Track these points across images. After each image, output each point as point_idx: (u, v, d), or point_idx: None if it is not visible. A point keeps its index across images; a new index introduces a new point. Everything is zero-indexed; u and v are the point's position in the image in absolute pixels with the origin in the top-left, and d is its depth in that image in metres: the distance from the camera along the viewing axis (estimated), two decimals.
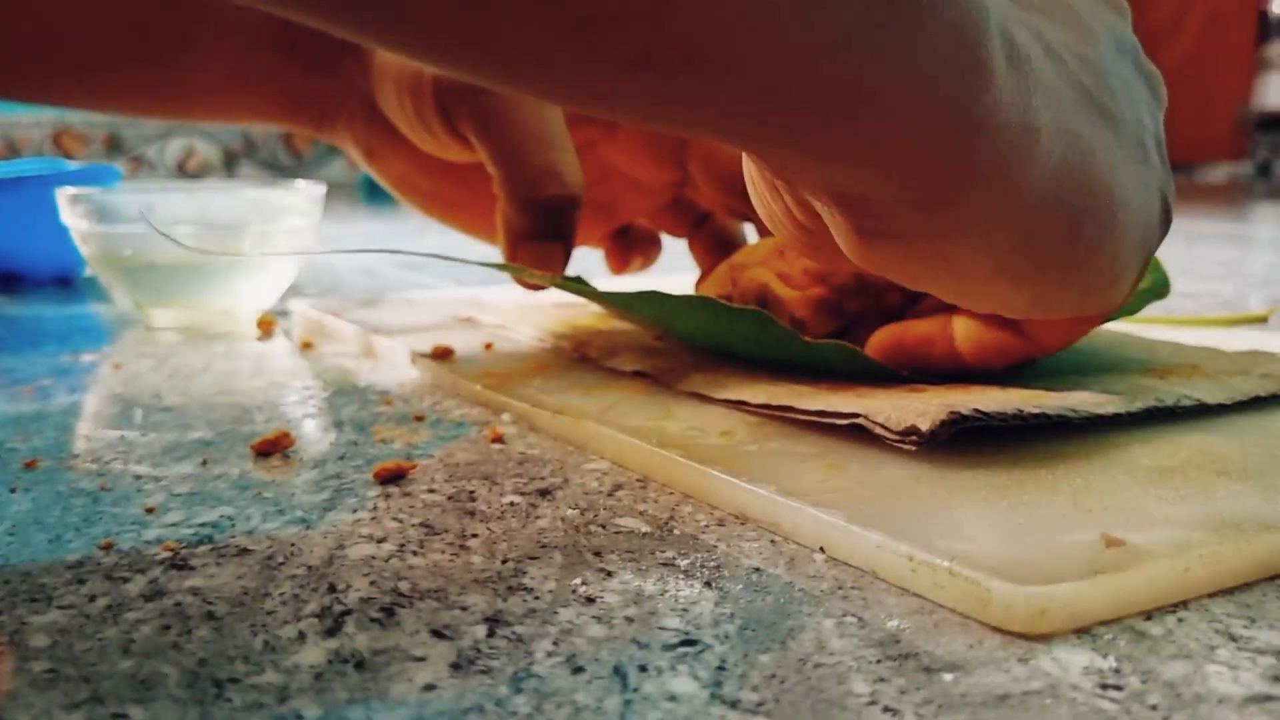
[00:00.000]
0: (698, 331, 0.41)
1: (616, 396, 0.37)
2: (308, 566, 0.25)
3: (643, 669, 0.20)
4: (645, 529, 0.28)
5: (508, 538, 0.27)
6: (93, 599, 0.24)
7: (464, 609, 0.23)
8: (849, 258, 0.28)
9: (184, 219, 0.57)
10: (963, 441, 0.30)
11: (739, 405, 0.35)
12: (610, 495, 0.30)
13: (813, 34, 0.20)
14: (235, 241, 0.57)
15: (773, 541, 0.27)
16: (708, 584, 0.24)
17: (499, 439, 0.36)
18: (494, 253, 0.47)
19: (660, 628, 0.22)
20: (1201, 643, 0.21)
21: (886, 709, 0.19)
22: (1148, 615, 0.22)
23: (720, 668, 0.20)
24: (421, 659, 0.21)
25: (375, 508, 0.29)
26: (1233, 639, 0.21)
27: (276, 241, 0.58)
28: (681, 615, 0.23)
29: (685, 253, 0.55)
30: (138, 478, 0.32)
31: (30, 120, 1.98)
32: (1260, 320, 0.53)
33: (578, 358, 0.44)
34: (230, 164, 2.12)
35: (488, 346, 0.47)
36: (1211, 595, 0.23)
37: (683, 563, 0.25)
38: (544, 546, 0.26)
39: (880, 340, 0.36)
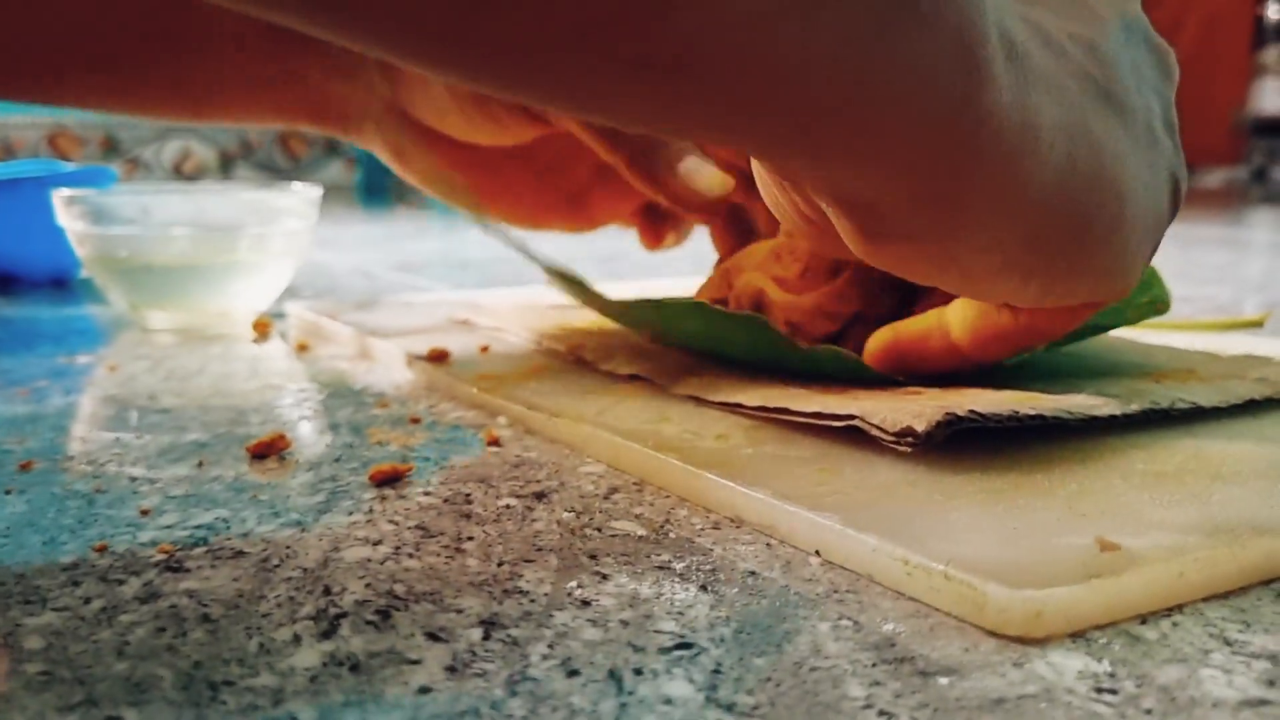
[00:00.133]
0: (693, 337, 0.41)
1: (612, 399, 0.37)
2: (303, 569, 0.25)
3: (638, 672, 0.20)
4: (641, 532, 0.28)
5: (503, 540, 0.27)
6: (87, 601, 0.24)
7: (459, 612, 0.23)
8: (856, 255, 0.28)
9: (180, 221, 0.57)
10: (958, 445, 0.30)
11: (735, 408, 0.35)
12: (606, 498, 0.30)
13: (814, 36, 0.20)
14: (232, 244, 0.57)
15: (768, 545, 0.27)
16: (703, 587, 0.24)
17: (495, 442, 0.36)
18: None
19: (656, 631, 0.22)
20: (1196, 647, 0.21)
21: (882, 713, 0.19)
22: (1143, 619, 0.22)
23: (716, 671, 0.20)
24: (416, 662, 0.21)
25: (371, 510, 0.29)
26: (1227, 643, 0.21)
27: (273, 244, 0.58)
28: (677, 619, 0.23)
29: (684, 254, 0.55)
30: (133, 479, 0.32)
31: (26, 121, 1.97)
32: (1255, 324, 0.53)
33: (574, 361, 0.44)
34: (226, 166, 2.11)
35: (484, 349, 0.47)
36: (1206, 599, 0.23)
37: (678, 566, 0.25)
38: (539, 549, 0.26)
39: (876, 343, 0.36)
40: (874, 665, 0.21)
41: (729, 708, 0.19)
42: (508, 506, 0.30)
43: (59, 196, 0.58)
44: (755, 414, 0.34)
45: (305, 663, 0.21)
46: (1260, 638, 0.21)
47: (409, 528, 0.28)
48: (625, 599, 0.24)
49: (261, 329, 0.57)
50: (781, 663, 0.21)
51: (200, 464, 0.33)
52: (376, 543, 0.27)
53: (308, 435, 0.37)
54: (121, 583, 0.25)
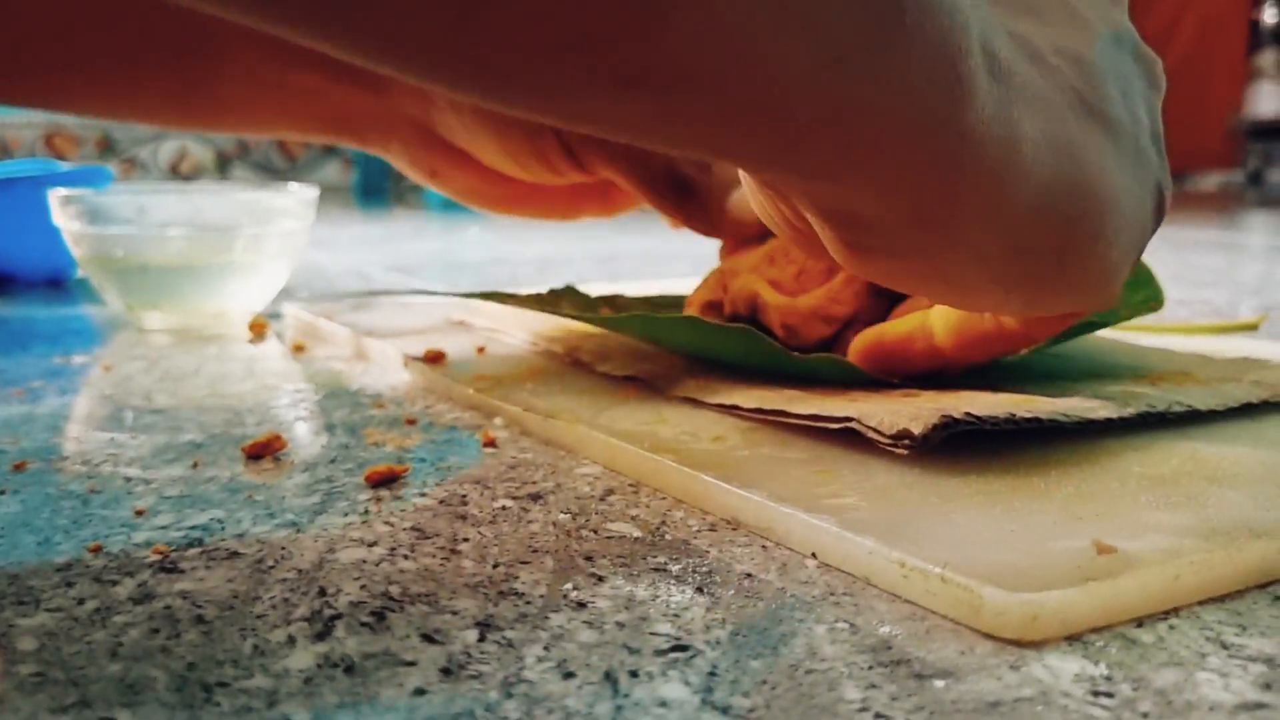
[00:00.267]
0: (687, 348, 0.41)
1: (609, 401, 0.37)
2: (298, 570, 0.25)
3: (634, 674, 0.20)
4: (637, 534, 0.28)
5: (499, 542, 0.27)
6: (81, 602, 0.23)
7: (455, 613, 0.23)
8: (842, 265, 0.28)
9: (176, 221, 0.57)
10: (955, 448, 0.30)
11: (731, 410, 0.35)
12: (602, 500, 0.30)
13: (804, 53, 0.20)
14: (228, 244, 0.57)
15: (764, 547, 0.27)
16: (699, 589, 0.24)
17: (491, 443, 0.36)
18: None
19: (651, 633, 0.22)
20: (1192, 650, 0.21)
21: (878, 715, 0.19)
22: (1139, 622, 0.22)
23: (711, 673, 0.20)
24: (412, 664, 0.21)
25: (366, 511, 0.29)
26: (1224, 646, 0.21)
27: (269, 244, 0.57)
28: (673, 621, 0.23)
29: (684, 254, 0.55)
30: (128, 480, 0.32)
31: (23, 121, 1.97)
32: (1251, 327, 0.54)
33: (570, 362, 0.44)
34: (223, 166, 2.11)
35: (480, 350, 0.47)
36: (1202, 602, 0.23)
37: (674, 568, 0.25)
38: (535, 551, 0.26)
39: (861, 344, 0.36)
40: (870, 668, 0.21)
41: (724, 710, 0.19)
42: (503, 508, 0.29)
43: (55, 196, 0.58)
44: (752, 416, 0.34)
45: (300, 664, 0.21)
46: (1256, 641, 0.21)
47: (404, 529, 0.28)
48: (621, 601, 0.24)
49: (257, 329, 0.57)
50: (777, 665, 0.21)
51: (195, 464, 0.33)
52: (372, 544, 0.27)
53: (303, 436, 0.37)
54: (116, 583, 0.24)
